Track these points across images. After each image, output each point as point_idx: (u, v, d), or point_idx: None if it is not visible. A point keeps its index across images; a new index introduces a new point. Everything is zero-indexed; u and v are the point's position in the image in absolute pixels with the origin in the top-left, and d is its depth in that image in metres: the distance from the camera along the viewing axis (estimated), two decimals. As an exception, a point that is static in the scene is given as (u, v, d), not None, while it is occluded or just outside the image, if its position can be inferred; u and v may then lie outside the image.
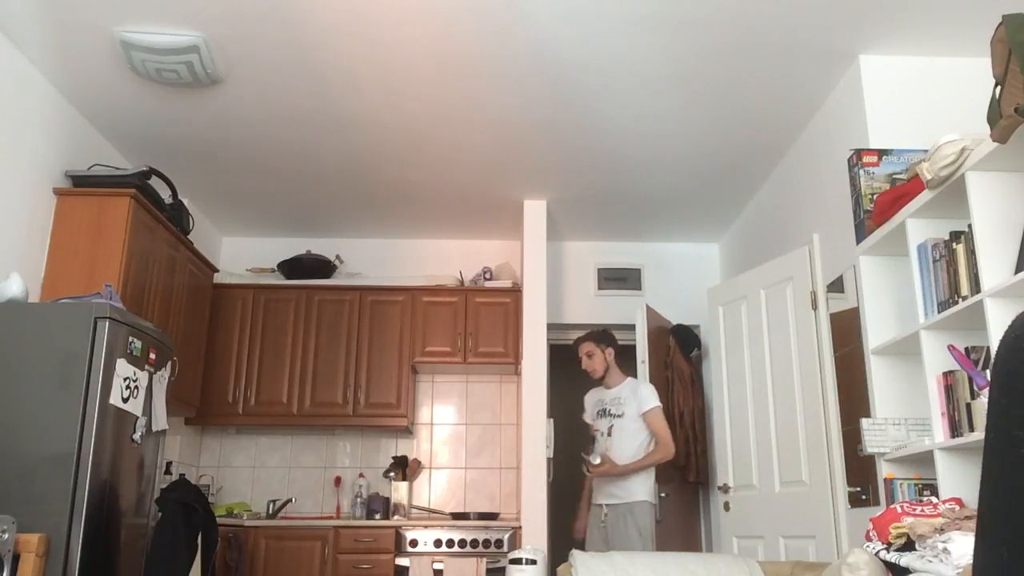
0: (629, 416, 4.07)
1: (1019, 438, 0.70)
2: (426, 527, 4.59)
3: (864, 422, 3.09)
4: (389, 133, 4.16)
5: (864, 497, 3.28)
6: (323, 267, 5.34)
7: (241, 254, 5.58)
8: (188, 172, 4.55)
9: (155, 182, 4.03)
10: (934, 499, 2.49)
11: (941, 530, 2.13)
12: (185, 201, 4.53)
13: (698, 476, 5.10)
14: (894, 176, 3.22)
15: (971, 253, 2.55)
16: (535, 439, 4.68)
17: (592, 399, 4.32)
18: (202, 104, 3.83)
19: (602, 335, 4.30)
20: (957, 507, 2.31)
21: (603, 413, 4.18)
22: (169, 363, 3.43)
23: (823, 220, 3.81)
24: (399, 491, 4.99)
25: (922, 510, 2.34)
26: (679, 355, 5.24)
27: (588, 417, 4.32)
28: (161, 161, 4.31)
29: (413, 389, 5.23)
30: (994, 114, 2.34)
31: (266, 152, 4.36)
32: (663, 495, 5.14)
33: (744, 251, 5.15)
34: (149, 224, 3.95)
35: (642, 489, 3.98)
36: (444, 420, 5.41)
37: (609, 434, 4.09)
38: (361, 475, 5.17)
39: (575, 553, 2.66)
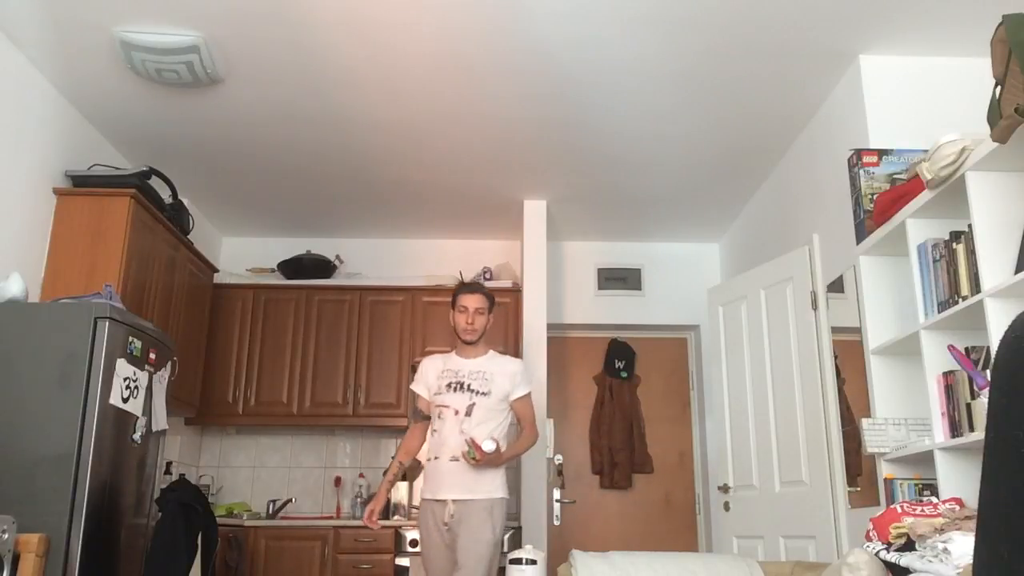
0: (496, 396, 3.41)
1: (1019, 438, 0.70)
2: (426, 527, 4.59)
3: (864, 422, 3.09)
4: (389, 133, 4.16)
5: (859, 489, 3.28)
6: (323, 267, 5.34)
7: (241, 254, 5.58)
8: (188, 172, 4.55)
9: (155, 182, 4.03)
10: (934, 499, 2.49)
11: (941, 530, 2.13)
12: (185, 201, 4.54)
13: (613, 483, 5.40)
14: (894, 176, 3.22)
15: (971, 253, 2.55)
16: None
17: (436, 367, 3.52)
18: (202, 104, 3.83)
19: (492, 295, 3.64)
20: (957, 507, 2.31)
21: (459, 387, 3.41)
22: (169, 363, 3.43)
23: (823, 220, 3.81)
24: (399, 491, 4.99)
25: (922, 510, 2.34)
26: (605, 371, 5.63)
27: (426, 387, 3.50)
28: (161, 161, 4.31)
29: (413, 389, 5.23)
30: (994, 114, 2.34)
31: (266, 152, 4.36)
32: (571, 501, 5.31)
33: (744, 251, 5.15)
34: (149, 224, 3.95)
35: (503, 483, 3.44)
36: (444, 420, 5.41)
37: (468, 413, 3.36)
38: (361, 475, 5.17)
39: (575, 553, 2.66)
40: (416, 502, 5.12)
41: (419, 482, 5.21)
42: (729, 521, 4.42)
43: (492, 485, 3.30)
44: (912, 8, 3.11)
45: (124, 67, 3.48)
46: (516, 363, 3.54)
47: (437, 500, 3.28)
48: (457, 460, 3.26)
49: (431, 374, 3.48)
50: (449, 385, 3.40)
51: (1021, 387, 0.71)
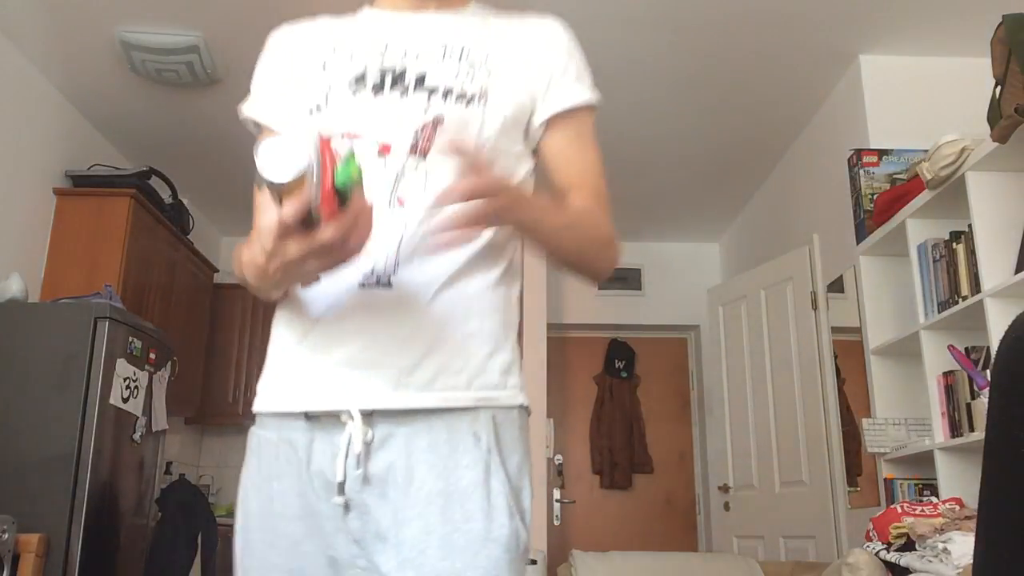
0: (503, 104, 1.07)
1: (1019, 438, 0.70)
2: (426, 527, 4.58)
3: (864, 422, 3.10)
4: (389, 133, 4.16)
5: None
6: (323, 267, 5.34)
7: (241, 254, 5.57)
8: (188, 172, 4.55)
9: (155, 182, 4.02)
10: (934, 499, 2.49)
11: (941, 530, 2.13)
12: (185, 201, 4.53)
13: (613, 483, 5.34)
14: (894, 176, 3.22)
15: (971, 253, 2.55)
16: (535, 439, 4.66)
17: (315, 41, 1.17)
18: (202, 104, 3.83)
19: None
20: (957, 507, 2.31)
21: (394, 80, 1.06)
22: (169, 363, 3.43)
23: (823, 220, 3.81)
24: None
25: (922, 510, 2.34)
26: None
27: (283, 98, 1.13)
28: (161, 161, 4.31)
29: (413, 389, 5.23)
30: (994, 114, 2.34)
31: (266, 152, 4.36)
32: (571, 501, 5.28)
33: (744, 251, 5.15)
34: (149, 224, 3.95)
35: (518, 357, 1.06)
36: (444, 420, 5.41)
37: (419, 150, 1.02)
38: (361, 475, 5.17)
39: (575, 553, 2.66)
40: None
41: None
42: (729, 521, 4.42)
43: (502, 356, 1.02)
44: (912, 8, 3.10)
45: (124, 67, 3.48)
46: (552, 25, 1.18)
47: (327, 415, 0.97)
48: (388, 286, 0.97)
49: (296, 60, 1.17)
50: (362, 80, 1.08)
51: (1021, 387, 0.71)
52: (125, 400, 3.01)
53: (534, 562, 3.46)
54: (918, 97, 3.35)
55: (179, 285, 4.39)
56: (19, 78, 3.44)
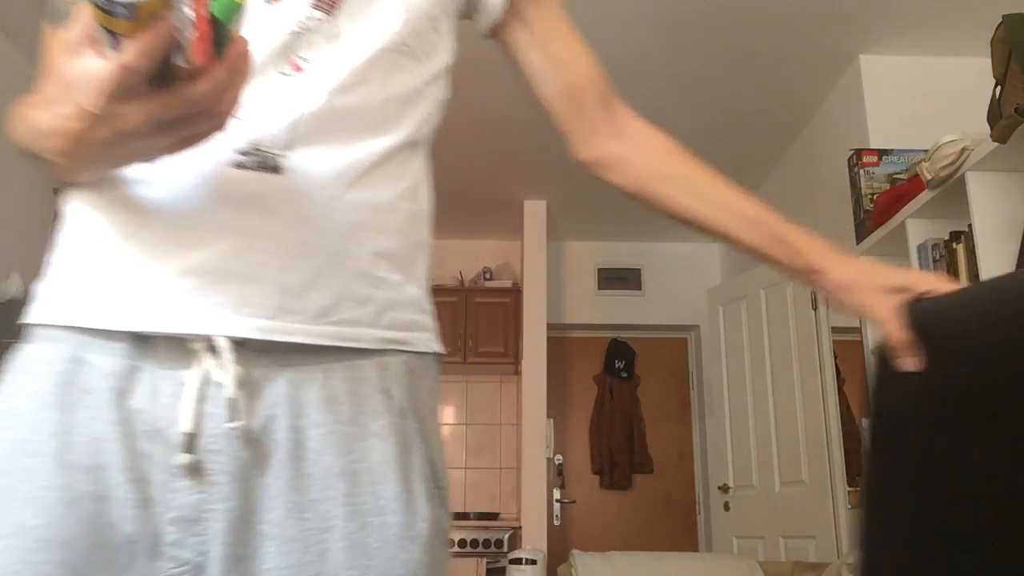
0: None
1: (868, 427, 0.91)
2: (426, 527, 4.59)
3: (864, 422, 3.10)
4: (389, 133, 4.16)
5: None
6: (323, 267, 5.34)
7: (241, 254, 5.57)
8: (188, 172, 4.55)
9: (155, 182, 4.03)
10: (934, 499, 2.49)
11: (941, 530, 2.13)
12: (185, 201, 4.54)
13: (613, 483, 5.34)
14: (894, 176, 3.22)
15: (971, 253, 2.55)
16: (535, 439, 4.68)
17: None
18: (202, 104, 3.83)
19: None
20: (957, 507, 2.31)
21: None
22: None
23: (823, 220, 3.81)
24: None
25: (922, 510, 2.34)
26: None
27: None
28: (161, 161, 4.32)
29: (413, 389, 5.23)
30: (994, 114, 2.34)
31: (266, 152, 4.36)
32: (571, 501, 5.33)
33: (744, 251, 5.15)
34: (149, 224, 3.95)
35: (429, 299, 0.87)
36: (444, 420, 5.41)
37: (325, 4, 0.73)
38: (361, 475, 5.17)
39: (575, 553, 2.66)
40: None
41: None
42: (729, 521, 4.42)
43: (414, 289, 0.83)
44: (912, 8, 3.11)
45: (124, 67, 3.48)
46: None
47: (168, 339, 0.65)
48: (275, 171, 0.68)
49: None
50: None
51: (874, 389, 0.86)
52: (125, 400, 3.01)
53: (534, 562, 3.46)
54: (918, 97, 3.36)
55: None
56: (19, 78, 3.45)
